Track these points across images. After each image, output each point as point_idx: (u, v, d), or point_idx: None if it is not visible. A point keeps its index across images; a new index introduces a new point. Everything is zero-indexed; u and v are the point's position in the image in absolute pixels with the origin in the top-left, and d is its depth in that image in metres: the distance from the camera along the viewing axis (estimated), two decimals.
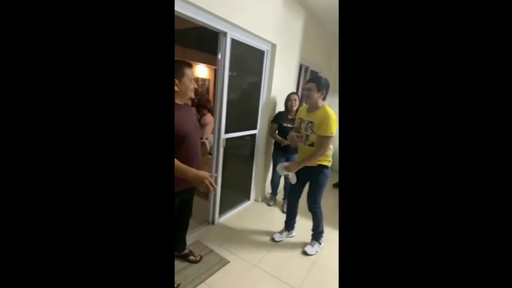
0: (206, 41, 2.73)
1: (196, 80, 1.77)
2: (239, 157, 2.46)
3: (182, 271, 1.56)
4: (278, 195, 2.72)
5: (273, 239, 2.00)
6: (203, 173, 1.12)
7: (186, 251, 1.66)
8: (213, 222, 2.15)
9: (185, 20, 1.52)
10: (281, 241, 2.00)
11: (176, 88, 1.17)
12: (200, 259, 1.67)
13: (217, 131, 1.98)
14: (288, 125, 2.33)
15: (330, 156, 1.75)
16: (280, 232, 2.04)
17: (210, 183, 1.11)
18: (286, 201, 2.54)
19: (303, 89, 2.00)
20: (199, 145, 1.33)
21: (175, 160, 1.10)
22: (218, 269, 1.62)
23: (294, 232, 2.10)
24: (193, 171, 1.11)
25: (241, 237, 2.02)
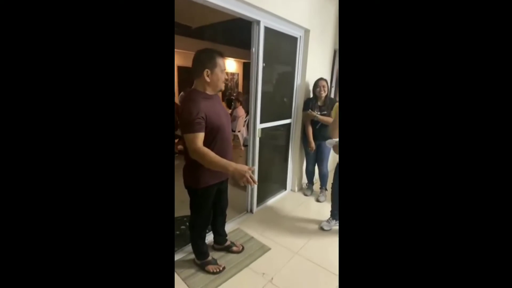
0: (234, 35, 2.75)
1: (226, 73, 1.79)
2: (274, 147, 2.46)
3: (225, 257, 1.63)
4: (315, 184, 2.67)
5: (321, 228, 1.99)
6: (243, 167, 1.09)
7: (228, 242, 1.68)
8: (251, 211, 2.20)
9: (213, 14, 1.54)
10: (329, 230, 1.98)
11: (207, 79, 1.15)
12: (242, 249, 1.69)
13: (252, 122, 2.00)
14: (318, 113, 2.26)
15: None
16: (328, 221, 2.03)
17: (251, 177, 1.08)
18: (326, 191, 2.51)
19: None
20: (231, 136, 1.35)
21: (215, 155, 1.10)
22: (260, 256, 1.67)
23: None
24: (234, 165, 1.09)
25: (280, 225, 2.04)
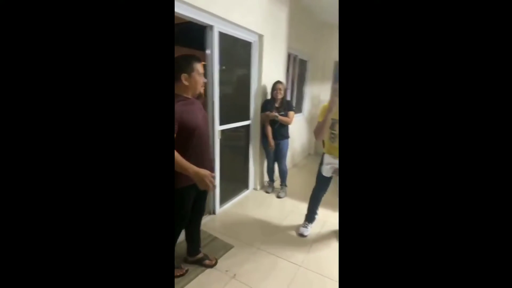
0: (191, 37, 2.75)
1: None
2: (235, 148, 2.52)
3: (183, 262, 1.63)
4: (276, 182, 2.80)
5: (301, 234, 1.94)
6: (204, 171, 1.12)
7: (201, 255, 1.60)
8: (214, 212, 2.23)
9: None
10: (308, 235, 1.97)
11: (186, 83, 1.19)
12: (216, 262, 1.60)
13: (211, 124, 2.03)
14: (276, 114, 2.40)
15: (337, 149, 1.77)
16: (305, 225, 2.00)
17: (210, 181, 1.12)
18: (286, 187, 2.66)
19: (333, 90, 2.02)
20: (209, 138, 1.37)
21: (179, 157, 1.11)
22: (223, 254, 1.71)
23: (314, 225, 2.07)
24: (194, 168, 1.12)
25: (242, 224, 2.10)
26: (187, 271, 1.51)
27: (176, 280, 1.44)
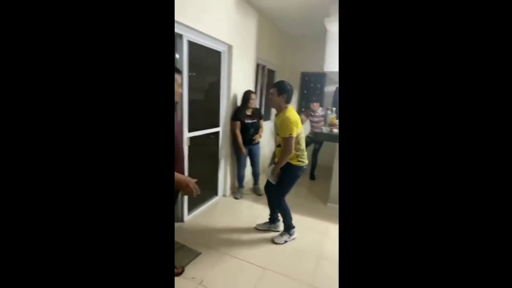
0: None
1: None
2: (204, 154, 2.54)
3: None
4: (245, 188, 2.87)
5: (274, 241, 1.99)
6: (188, 178, 1.18)
7: None
8: (182, 220, 2.21)
9: None
10: (264, 230, 2.13)
11: None
12: (183, 271, 1.61)
13: (180, 130, 2.03)
14: (249, 121, 2.51)
15: (301, 156, 1.85)
16: (281, 234, 2.03)
17: (194, 187, 1.18)
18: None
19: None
20: (183, 147, 1.38)
21: None
22: (190, 261, 1.71)
23: (280, 225, 2.12)
24: (178, 175, 1.16)
25: (210, 231, 2.11)
26: (183, 270, 1.60)
27: None
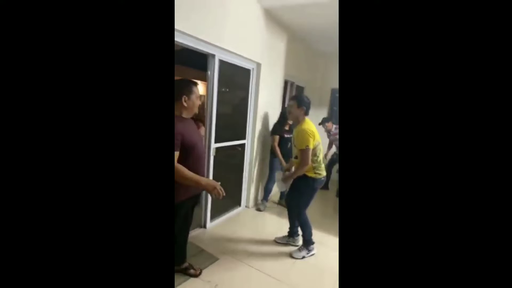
0: (196, 59, 2.99)
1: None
2: (230, 165, 2.66)
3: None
4: (269, 202, 2.91)
5: (292, 256, 1.98)
6: (214, 182, 1.32)
7: (186, 264, 1.68)
8: (204, 226, 2.32)
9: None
10: (283, 244, 2.13)
11: (185, 104, 1.34)
12: (200, 272, 1.69)
13: (207, 141, 2.19)
14: (287, 136, 2.63)
15: (317, 168, 1.86)
16: (299, 249, 2.01)
17: (221, 190, 1.31)
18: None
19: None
20: (205, 155, 1.50)
21: (187, 170, 1.26)
22: (208, 265, 1.78)
23: (299, 239, 2.12)
24: (205, 179, 1.32)
25: (230, 239, 2.18)
26: (201, 272, 1.68)
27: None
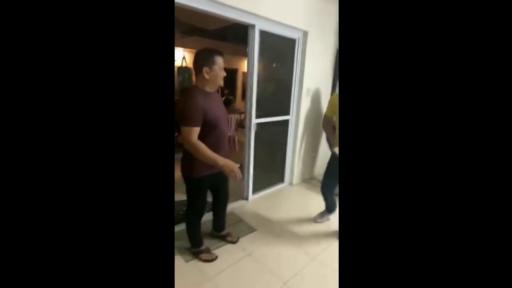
0: (240, 34, 2.93)
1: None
2: (274, 141, 2.64)
3: (209, 235, 1.85)
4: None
5: (315, 220, 2.10)
6: (232, 164, 1.25)
7: (225, 232, 1.79)
8: (247, 198, 2.41)
9: (215, 18, 1.76)
10: (321, 222, 2.11)
11: (206, 76, 1.25)
12: (237, 240, 1.77)
13: (248, 116, 2.20)
14: None
15: None
16: (321, 214, 2.13)
17: (238, 172, 1.25)
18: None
19: None
20: (227, 129, 1.45)
21: (207, 149, 1.23)
22: (245, 235, 1.87)
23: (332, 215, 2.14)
24: (223, 159, 1.25)
25: (270, 213, 2.21)
26: (216, 257, 1.59)
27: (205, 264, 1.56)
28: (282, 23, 2.11)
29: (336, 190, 2.02)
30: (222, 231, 1.79)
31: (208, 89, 1.31)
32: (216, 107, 1.33)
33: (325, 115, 1.88)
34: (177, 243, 1.71)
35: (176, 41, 5.37)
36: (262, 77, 2.19)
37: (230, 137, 4.01)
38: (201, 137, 1.26)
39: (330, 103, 1.81)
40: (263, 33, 2.06)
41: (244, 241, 1.80)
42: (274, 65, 2.34)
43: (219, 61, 1.27)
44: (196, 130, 1.23)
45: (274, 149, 2.67)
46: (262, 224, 2.02)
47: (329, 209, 2.09)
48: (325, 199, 2.03)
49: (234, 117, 4.04)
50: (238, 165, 1.29)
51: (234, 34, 4.85)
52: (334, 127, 1.91)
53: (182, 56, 5.03)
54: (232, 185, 2.23)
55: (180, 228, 1.84)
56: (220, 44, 5.34)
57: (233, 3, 1.72)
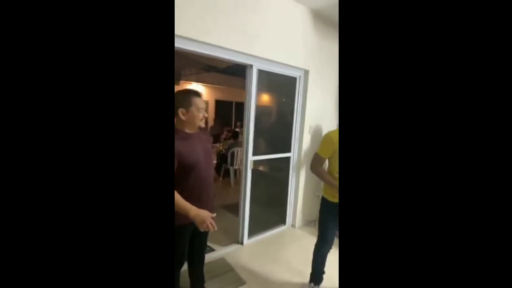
0: (239, 75, 3.01)
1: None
2: (275, 179, 2.50)
3: None
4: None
5: None
6: (204, 213, 1.13)
7: None
8: (241, 242, 2.21)
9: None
10: None
11: (182, 117, 1.20)
12: None
13: (245, 153, 2.11)
14: None
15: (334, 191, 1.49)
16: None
17: (211, 224, 1.12)
18: None
19: None
20: (210, 173, 1.32)
21: (178, 197, 1.12)
22: None
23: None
24: (195, 210, 1.12)
25: (266, 261, 1.99)
26: None
27: None
28: (281, 62, 2.11)
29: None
30: None
31: (188, 130, 1.25)
32: (196, 149, 1.24)
33: (316, 154, 1.57)
34: None
35: (193, 77, 5.82)
36: (262, 113, 2.14)
37: (233, 170, 3.94)
38: (177, 182, 1.16)
39: (326, 141, 1.53)
40: (261, 72, 2.06)
41: None
42: (274, 102, 2.31)
43: (196, 101, 1.22)
44: None
45: (276, 187, 2.52)
46: (254, 277, 1.80)
47: (314, 279, 1.70)
48: (313, 265, 1.68)
49: (241, 150, 3.99)
50: (214, 215, 1.16)
51: (242, 70, 5.07)
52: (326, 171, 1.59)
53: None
54: (226, 226, 2.07)
55: None
56: (232, 78, 5.64)
57: (230, 45, 1.75)
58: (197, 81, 6.04)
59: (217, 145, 4.75)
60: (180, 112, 1.21)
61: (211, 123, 6.58)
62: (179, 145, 1.16)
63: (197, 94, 1.25)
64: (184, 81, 5.81)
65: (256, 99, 2.06)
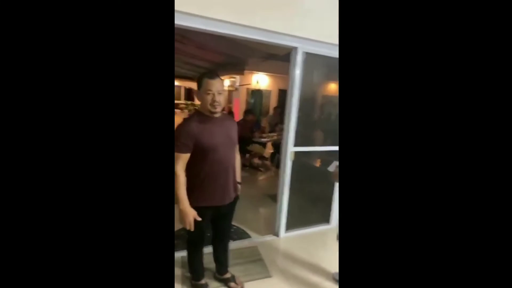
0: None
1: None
2: (321, 174, 2.30)
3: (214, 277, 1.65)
4: None
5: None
6: (189, 213, 1.16)
7: (228, 275, 1.54)
8: (277, 235, 2.14)
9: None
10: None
11: (198, 100, 1.19)
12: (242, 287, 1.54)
13: (285, 144, 2.00)
14: None
15: None
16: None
17: (189, 223, 1.16)
18: None
19: None
20: (229, 158, 1.27)
21: (181, 184, 1.15)
22: (256, 279, 1.63)
23: None
24: (185, 205, 1.15)
25: (298, 259, 1.88)
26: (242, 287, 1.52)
27: None
28: (329, 42, 1.86)
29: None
30: (223, 274, 1.54)
31: (208, 113, 1.20)
32: (214, 133, 1.19)
33: None
34: (181, 270, 1.65)
35: (254, 66, 5.90)
36: (329, 104, 1.97)
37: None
38: (193, 164, 1.18)
39: None
40: (307, 55, 1.88)
41: (253, 286, 1.57)
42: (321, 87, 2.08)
43: (206, 84, 1.15)
44: (183, 157, 1.16)
45: (324, 183, 2.32)
46: (282, 272, 1.72)
47: None
48: None
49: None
50: (200, 219, 1.20)
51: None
52: None
53: (256, 80, 5.30)
54: (269, 215, 2.01)
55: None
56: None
57: (275, 28, 1.66)
58: (261, 70, 6.06)
59: (275, 134, 4.72)
60: (195, 93, 1.21)
61: (271, 111, 6.57)
62: (195, 127, 1.16)
63: (209, 76, 1.16)
64: (248, 71, 5.94)
65: (300, 85, 1.90)
